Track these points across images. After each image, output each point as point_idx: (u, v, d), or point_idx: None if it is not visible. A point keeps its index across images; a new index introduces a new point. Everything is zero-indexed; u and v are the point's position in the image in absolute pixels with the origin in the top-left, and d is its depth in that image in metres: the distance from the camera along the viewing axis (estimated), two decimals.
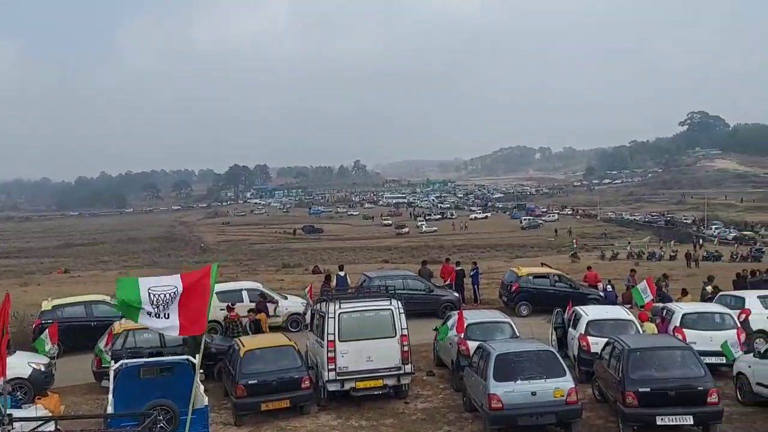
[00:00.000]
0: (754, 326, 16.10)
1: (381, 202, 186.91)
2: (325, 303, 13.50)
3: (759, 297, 17.37)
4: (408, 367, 13.14)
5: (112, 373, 10.86)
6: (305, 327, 18.06)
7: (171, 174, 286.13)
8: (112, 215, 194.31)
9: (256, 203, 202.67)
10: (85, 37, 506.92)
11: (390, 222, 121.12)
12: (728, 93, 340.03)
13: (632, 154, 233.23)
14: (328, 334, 12.82)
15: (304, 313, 19.47)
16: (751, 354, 12.87)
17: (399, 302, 13.33)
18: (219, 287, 20.83)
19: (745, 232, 75.24)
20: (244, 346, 13.08)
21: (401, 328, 13.04)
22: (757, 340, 15.12)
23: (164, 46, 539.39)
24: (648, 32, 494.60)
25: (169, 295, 8.09)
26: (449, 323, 14.86)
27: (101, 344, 14.57)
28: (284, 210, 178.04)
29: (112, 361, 11.79)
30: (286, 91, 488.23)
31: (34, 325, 18.08)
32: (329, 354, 12.77)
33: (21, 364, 13.42)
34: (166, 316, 8.10)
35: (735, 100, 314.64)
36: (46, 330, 14.54)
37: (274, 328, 18.29)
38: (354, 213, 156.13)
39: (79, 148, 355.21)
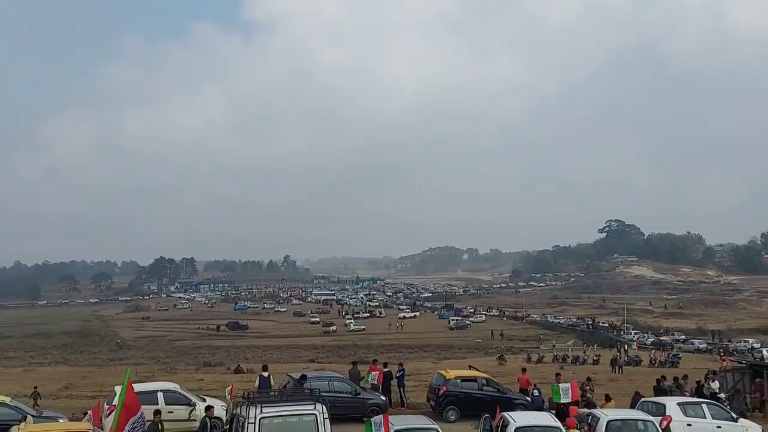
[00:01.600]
0: None
1: (309, 299, 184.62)
2: (245, 406, 12.86)
3: (679, 404, 17.85)
4: None
5: None
6: None
7: (92, 265, 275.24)
8: (23, 307, 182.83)
9: (179, 297, 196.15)
10: (5, 126, 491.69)
11: (318, 319, 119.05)
12: (641, 203, 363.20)
13: (555, 258, 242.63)
14: None
15: (228, 418, 18.43)
16: None
17: (324, 406, 12.86)
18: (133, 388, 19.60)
19: (663, 338, 78.04)
20: None
21: None
22: None
23: (92, 136, 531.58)
24: (568, 147, 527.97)
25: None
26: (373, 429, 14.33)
27: None
28: (209, 305, 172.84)
29: None
30: (215, 185, 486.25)
31: None
32: None
33: None
34: None
35: (647, 209, 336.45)
36: None
37: None
38: (282, 309, 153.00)
39: None
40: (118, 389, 14.46)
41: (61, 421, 16.67)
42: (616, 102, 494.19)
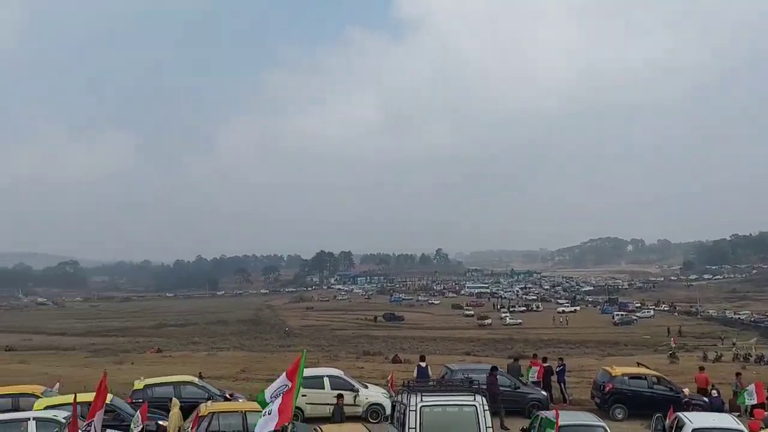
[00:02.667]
0: None
1: (463, 292, 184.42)
2: (406, 394, 13.18)
3: None
4: None
5: None
6: (385, 419, 17.61)
7: (261, 259, 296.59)
8: (205, 297, 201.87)
9: (339, 289, 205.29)
10: (188, 131, 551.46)
11: (472, 312, 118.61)
12: None
13: (734, 248, 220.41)
14: (409, 428, 12.39)
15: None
16: None
17: (483, 398, 12.80)
18: None
19: None
20: None
21: (486, 427, 12.40)
22: None
23: (258, 142, 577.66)
24: (749, 110, 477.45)
25: (279, 392, 8.48)
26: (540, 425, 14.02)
27: (188, 426, 14.75)
28: (366, 297, 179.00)
29: None
30: (369, 181, 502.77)
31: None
32: None
33: None
34: (267, 413, 8.48)
35: None
36: (138, 409, 14.92)
37: (353, 418, 18.00)
38: (436, 302, 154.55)
39: (179, 233, 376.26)
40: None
41: (240, 400, 18.20)
42: None
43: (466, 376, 17.23)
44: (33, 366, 36.45)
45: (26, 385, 18.94)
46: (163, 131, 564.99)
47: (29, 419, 14.35)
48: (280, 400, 8.44)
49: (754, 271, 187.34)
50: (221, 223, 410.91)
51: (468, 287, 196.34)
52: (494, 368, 20.06)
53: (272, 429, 9.20)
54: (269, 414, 9.00)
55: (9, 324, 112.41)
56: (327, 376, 20.45)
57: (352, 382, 20.65)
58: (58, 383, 21.09)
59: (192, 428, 14.38)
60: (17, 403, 16.79)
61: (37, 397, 17.21)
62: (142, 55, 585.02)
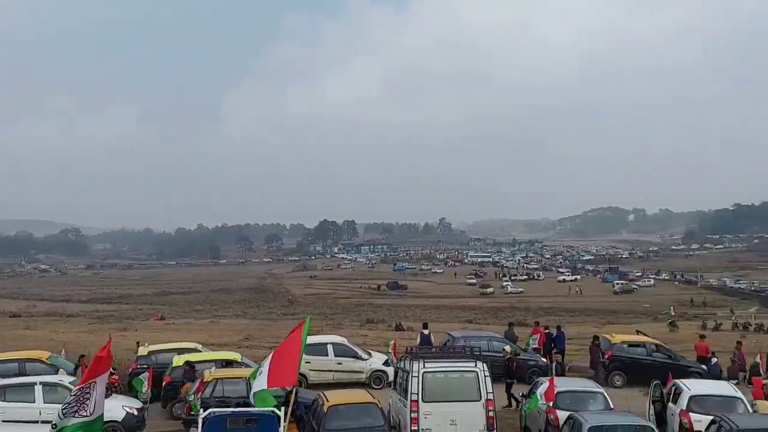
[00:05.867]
0: None
1: (466, 261, 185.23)
2: (409, 361, 13.33)
3: None
4: None
5: (200, 422, 11.07)
6: (388, 384, 17.85)
7: (264, 227, 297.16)
8: (207, 266, 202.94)
9: (342, 258, 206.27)
10: (189, 101, 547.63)
11: (475, 281, 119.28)
12: None
13: (736, 218, 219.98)
14: (411, 393, 12.59)
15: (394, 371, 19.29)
16: None
17: (484, 364, 12.96)
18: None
19: None
20: (328, 400, 13.06)
21: (487, 392, 12.62)
22: None
23: (261, 111, 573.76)
24: (752, 87, 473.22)
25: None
26: (539, 391, 14.22)
27: (192, 392, 14.96)
28: (369, 266, 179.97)
29: (201, 410, 12.05)
30: (376, 152, 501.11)
31: (130, 370, 18.85)
32: (412, 414, 12.50)
33: (115, 407, 13.96)
34: (259, 373, 8.59)
35: None
36: (146, 372, 15.15)
37: (357, 384, 18.26)
38: (438, 270, 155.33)
39: (180, 201, 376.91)
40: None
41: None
42: None
43: (467, 343, 17.37)
44: (38, 332, 36.80)
45: (32, 351, 19.17)
46: (166, 101, 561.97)
47: (36, 383, 14.57)
48: (269, 359, 8.61)
49: (756, 241, 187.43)
50: (223, 192, 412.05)
51: (471, 256, 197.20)
52: (595, 337, 21.72)
53: (264, 387, 9.51)
54: (260, 374, 9.23)
55: (13, 290, 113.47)
56: (330, 343, 20.76)
57: (356, 349, 20.92)
58: (63, 349, 21.38)
59: (197, 393, 14.61)
60: (24, 368, 17.03)
61: (43, 362, 17.44)
62: (146, 27, 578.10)
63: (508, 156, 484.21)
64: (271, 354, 9.08)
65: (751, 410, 13.39)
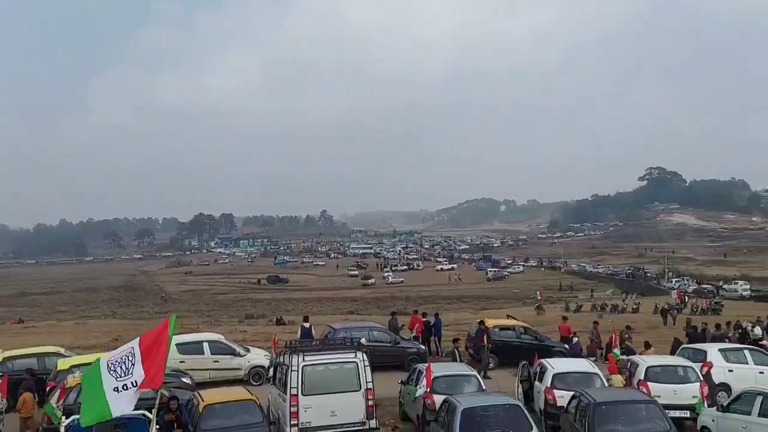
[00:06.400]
0: (716, 379, 16.23)
1: (348, 252, 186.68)
2: (288, 355, 13.21)
3: (720, 350, 17.60)
4: (373, 422, 12.82)
5: (62, 430, 10.35)
6: (267, 380, 17.62)
7: (134, 222, 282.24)
8: (71, 264, 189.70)
9: (220, 252, 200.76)
10: (51, 87, 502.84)
11: (357, 273, 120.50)
12: (684, 150, 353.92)
13: (594, 208, 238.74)
14: (291, 387, 12.50)
15: (268, 367, 19.03)
16: (715, 408, 12.94)
17: (364, 354, 13.12)
18: (179, 339, 20.31)
19: (704, 286, 76.68)
20: (203, 400, 12.64)
21: (366, 382, 12.79)
22: (720, 394, 15.24)
23: (132, 99, 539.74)
24: (609, 90, 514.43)
25: (128, 356, 7.98)
26: (418, 382, 14.57)
27: (53, 400, 13.89)
28: (249, 260, 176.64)
29: (63, 417, 11.25)
30: (254, 144, 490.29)
31: None
32: (292, 408, 12.41)
33: None
34: (131, 384, 8.05)
35: (690, 157, 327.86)
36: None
37: (235, 382, 17.87)
38: (320, 263, 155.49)
39: (39, 194, 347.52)
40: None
41: None
42: (653, 50, 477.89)
43: (348, 334, 17.53)
44: None
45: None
46: (26, 88, 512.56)
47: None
48: (138, 366, 8.08)
49: (611, 228, 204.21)
50: (89, 185, 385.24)
51: (353, 248, 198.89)
52: (481, 322, 22.23)
53: (130, 410, 8.87)
54: (123, 390, 8.65)
55: None
56: (206, 341, 20.17)
57: (233, 346, 20.47)
58: None
59: (59, 400, 13.58)
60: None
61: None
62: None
63: (389, 150, 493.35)
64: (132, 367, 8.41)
65: (606, 384, 14.57)
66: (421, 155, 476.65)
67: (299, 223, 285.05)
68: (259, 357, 20.17)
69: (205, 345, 19.70)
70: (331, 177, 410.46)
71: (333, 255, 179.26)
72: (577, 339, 23.27)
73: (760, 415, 11.27)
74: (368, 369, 12.92)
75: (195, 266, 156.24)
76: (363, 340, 17.96)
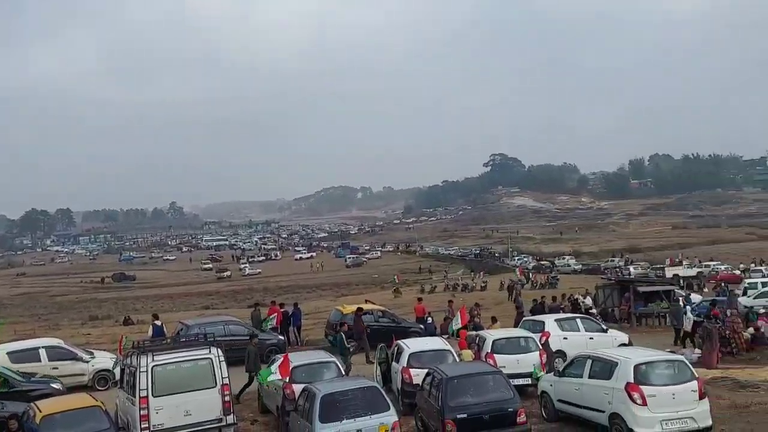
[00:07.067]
0: (553, 347, 17.76)
1: (201, 245, 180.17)
2: (136, 356, 12.48)
3: (556, 320, 19.36)
4: (230, 418, 12.50)
5: None
6: (115, 384, 16.56)
7: None
8: None
9: (57, 251, 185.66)
10: None
11: (211, 266, 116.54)
12: (523, 138, 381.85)
13: (445, 193, 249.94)
14: (140, 390, 11.84)
15: (113, 368, 17.89)
16: (552, 373, 14.11)
17: (219, 350, 12.72)
18: (10, 347, 18.60)
19: (543, 262, 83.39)
20: (40, 411, 11.59)
21: (222, 378, 12.42)
22: (557, 360, 16.66)
23: None
24: (457, 84, 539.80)
25: None
26: (272, 366, 14.45)
27: None
28: (91, 257, 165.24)
29: None
30: (95, 132, 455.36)
31: None
32: (141, 411, 11.76)
33: None
34: None
35: (529, 144, 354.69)
36: None
37: (78, 388, 16.65)
38: (171, 258, 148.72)
39: None
40: None
41: None
42: (500, 48, 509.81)
43: (202, 330, 16.91)
44: None
45: None
46: None
47: None
48: None
49: (461, 212, 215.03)
50: None
51: (206, 240, 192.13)
52: (359, 308, 22.22)
53: None
54: None
55: None
56: (43, 347, 18.63)
57: (75, 350, 19.07)
58: None
59: None
60: None
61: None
62: None
63: (242, 140, 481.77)
64: None
65: (458, 359, 15.35)
66: (277, 144, 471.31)
67: (146, 216, 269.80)
68: (104, 360, 18.95)
69: (42, 351, 18.24)
70: (180, 167, 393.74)
71: (185, 249, 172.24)
72: (431, 319, 24.29)
73: (590, 377, 12.44)
74: (224, 364, 12.56)
75: (28, 266, 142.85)
76: None
